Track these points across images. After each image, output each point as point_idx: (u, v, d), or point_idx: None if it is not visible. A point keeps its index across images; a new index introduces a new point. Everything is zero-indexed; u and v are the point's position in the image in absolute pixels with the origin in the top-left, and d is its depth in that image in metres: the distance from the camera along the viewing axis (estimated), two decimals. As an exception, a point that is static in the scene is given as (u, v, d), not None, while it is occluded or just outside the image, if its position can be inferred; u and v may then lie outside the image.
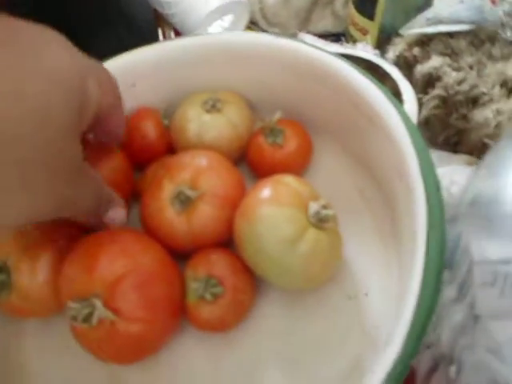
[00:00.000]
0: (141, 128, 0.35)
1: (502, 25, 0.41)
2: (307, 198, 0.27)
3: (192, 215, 0.29)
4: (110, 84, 0.26)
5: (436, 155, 0.38)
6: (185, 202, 0.28)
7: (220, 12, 0.51)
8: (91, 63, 0.24)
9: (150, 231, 0.30)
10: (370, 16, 0.48)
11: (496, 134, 0.37)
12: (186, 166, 0.30)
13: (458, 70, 0.39)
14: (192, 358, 0.29)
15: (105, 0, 0.46)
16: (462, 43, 0.40)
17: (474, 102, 0.39)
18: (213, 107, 0.34)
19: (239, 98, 0.36)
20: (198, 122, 0.34)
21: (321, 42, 0.48)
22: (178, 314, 0.28)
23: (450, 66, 0.39)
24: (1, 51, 0.19)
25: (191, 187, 0.28)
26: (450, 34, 0.42)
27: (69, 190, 0.23)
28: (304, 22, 0.57)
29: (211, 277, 0.27)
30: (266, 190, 0.28)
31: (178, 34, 0.56)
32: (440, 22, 0.41)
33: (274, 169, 0.32)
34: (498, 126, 0.37)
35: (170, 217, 0.29)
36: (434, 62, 0.40)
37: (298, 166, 0.35)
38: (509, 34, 0.42)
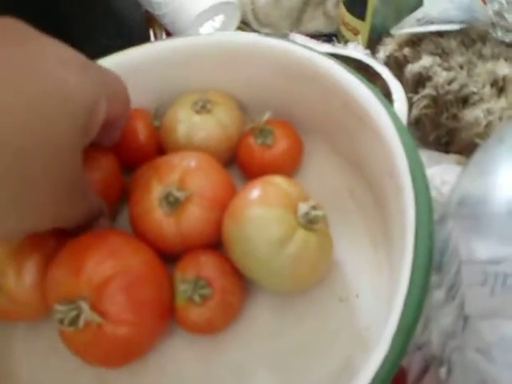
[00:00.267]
0: (131, 129, 0.34)
1: (493, 24, 0.42)
2: (297, 198, 0.27)
3: (181, 217, 0.28)
4: (120, 94, 0.26)
5: (427, 155, 0.38)
6: (173, 204, 0.28)
7: (211, 12, 0.51)
8: (103, 78, 0.24)
9: (139, 233, 0.29)
10: (361, 16, 0.48)
11: (486, 134, 0.37)
12: (175, 167, 0.29)
13: (448, 69, 0.39)
14: (181, 360, 0.28)
15: (95, 1, 0.46)
16: (453, 43, 0.41)
17: (465, 101, 0.39)
18: (203, 108, 0.34)
19: (229, 98, 0.36)
20: (188, 123, 0.34)
21: (312, 43, 0.48)
22: (167, 316, 0.28)
23: (440, 65, 0.39)
24: (13, 63, 0.19)
25: (180, 188, 0.28)
26: (441, 34, 0.42)
27: (67, 204, 0.23)
28: (295, 23, 0.57)
29: (200, 278, 0.27)
30: (254, 191, 0.27)
31: (169, 34, 0.56)
32: (430, 21, 0.41)
33: (264, 170, 0.31)
34: (488, 125, 0.37)
35: (159, 218, 0.28)
36: (425, 61, 0.40)
37: (288, 166, 0.35)
38: (499, 33, 0.42)
